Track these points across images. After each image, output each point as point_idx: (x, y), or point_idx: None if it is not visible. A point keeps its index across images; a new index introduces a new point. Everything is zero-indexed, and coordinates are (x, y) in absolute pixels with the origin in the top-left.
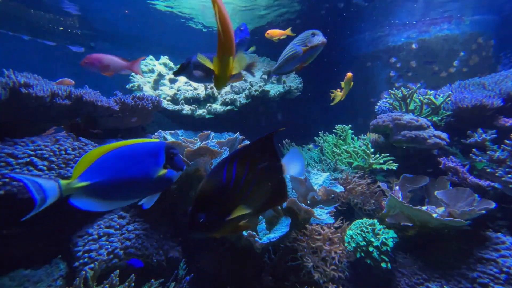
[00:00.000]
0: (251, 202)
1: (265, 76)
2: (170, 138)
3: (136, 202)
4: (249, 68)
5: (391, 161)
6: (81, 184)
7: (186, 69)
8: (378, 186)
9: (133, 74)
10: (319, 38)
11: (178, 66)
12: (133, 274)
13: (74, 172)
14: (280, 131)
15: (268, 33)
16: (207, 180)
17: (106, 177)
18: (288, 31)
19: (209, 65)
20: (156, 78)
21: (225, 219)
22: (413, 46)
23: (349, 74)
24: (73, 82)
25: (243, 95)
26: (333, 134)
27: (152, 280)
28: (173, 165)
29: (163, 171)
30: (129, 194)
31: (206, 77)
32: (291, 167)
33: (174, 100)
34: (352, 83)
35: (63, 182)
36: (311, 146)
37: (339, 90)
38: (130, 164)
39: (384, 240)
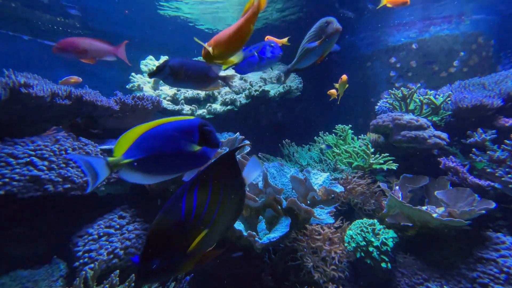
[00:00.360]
0: (216, 228)
1: (265, 76)
2: None
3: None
4: (227, 80)
5: (391, 161)
6: (125, 161)
7: (161, 71)
8: (378, 186)
9: (133, 74)
10: (333, 26)
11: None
12: (133, 274)
13: (117, 149)
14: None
15: (266, 39)
16: (160, 219)
17: (146, 155)
18: (285, 41)
19: (203, 44)
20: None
21: (186, 257)
22: (413, 46)
23: (344, 76)
24: (80, 79)
25: (243, 95)
26: (333, 134)
27: None
28: (207, 142)
29: (197, 148)
30: (169, 170)
31: (182, 81)
32: (250, 177)
33: (174, 100)
34: (347, 85)
35: (110, 159)
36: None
37: (334, 91)
38: (167, 142)
39: (384, 240)
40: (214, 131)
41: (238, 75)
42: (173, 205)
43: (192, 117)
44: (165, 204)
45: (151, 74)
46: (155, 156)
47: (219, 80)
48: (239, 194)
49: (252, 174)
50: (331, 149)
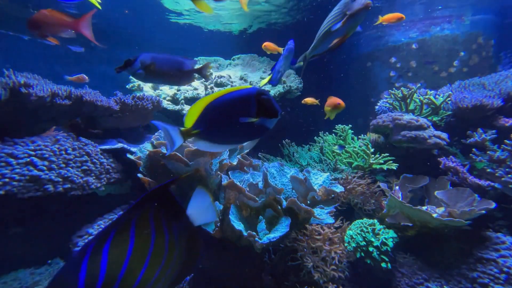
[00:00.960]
0: None
1: (265, 76)
2: None
3: None
4: (203, 72)
5: (391, 161)
6: (194, 132)
7: (130, 65)
8: (378, 186)
9: None
10: (361, 1)
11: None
12: None
13: (188, 120)
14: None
15: (264, 45)
16: None
17: (209, 126)
18: (280, 50)
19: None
20: None
21: None
22: (413, 46)
23: (341, 103)
24: (87, 79)
25: None
26: (333, 134)
27: None
28: (265, 112)
29: (254, 120)
30: (231, 140)
31: (154, 76)
32: (201, 214)
33: (174, 100)
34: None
35: (182, 129)
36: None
37: (310, 99)
38: (226, 113)
39: (384, 240)
40: (272, 100)
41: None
42: (66, 272)
43: (249, 86)
44: (57, 271)
45: (120, 68)
46: (217, 127)
47: (194, 74)
48: (182, 243)
49: (202, 211)
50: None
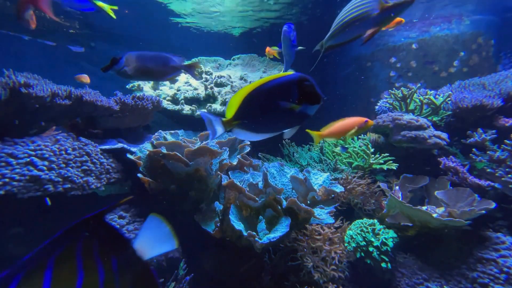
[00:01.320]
0: None
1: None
2: (170, 138)
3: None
4: (190, 68)
5: (391, 161)
6: (234, 122)
7: (116, 64)
8: (378, 186)
9: None
10: None
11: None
12: None
13: (229, 110)
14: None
15: (267, 50)
16: None
17: (250, 115)
18: (275, 53)
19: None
20: None
21: None
22: (413, 46)
23: (370, 122)
24: (87, 78)
25: None
26: None
27: None
28: (307, 99)
29: (296, 107)
30: (271, 129)
31: (140, 74)
32: (154, 244)
33: (174, 100)
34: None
35: (223, 119)
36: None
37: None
38: (268, 102)
39: (384, 240)
40: (314, 85)
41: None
42: None
43: (291, 73)
44: None
45: (105, 68)
46: (257, 116)
47: (182, 70)
48: (127, 281)
49: (157, 240)
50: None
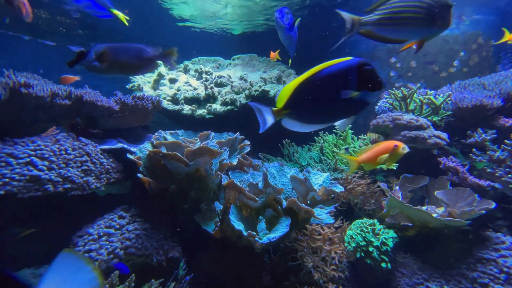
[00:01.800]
0: None
1: (265, 76)
2: (170, 138)
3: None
4: (167, 57)
5: None
6: (285, 111)
7: (84, 58)
8: (378, 186)
9: None
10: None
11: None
12: (133, 274)
13: (279, 100)
14: None
15: (272, 56)
16: None
17: (302, 104)
18: (277, 56)
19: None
20: (156, 78)
21: None
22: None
23: (399, 145)
24: (77, 77)
25: (243, 95)
26: (333, 134)
27: (152, 280)
28: (368, 85)
29: (355, 94)
30: (325, 119)
31: (112, 67)
32: None
33: (174, 100)
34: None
35: (274, 109)
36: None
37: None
38: (323, 90)
39: (384, 240)
40: (375, 71)
41: (215, 67)
42: None
43: (349, 58)
44: None
45: (72, 63)
46: (309, 105)
47: (157, 61)
48: None
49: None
50: (330, 149)
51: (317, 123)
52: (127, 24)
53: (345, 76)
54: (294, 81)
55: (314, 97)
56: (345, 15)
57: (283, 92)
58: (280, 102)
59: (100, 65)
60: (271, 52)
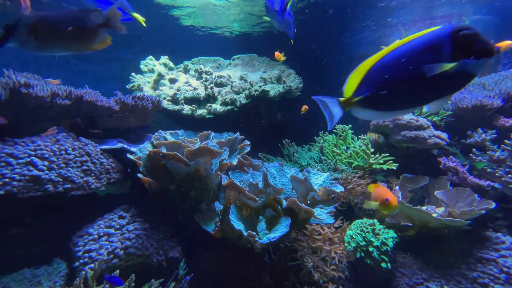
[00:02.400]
0: None
1: (265, 76)
2: (170, 138)
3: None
4: (113, 24)
5: (391, 161)
6: (355, 99)
7: (13, 32)
8: None
9: (133, 74)
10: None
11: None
12: (133, 274)
13: (348, 88)
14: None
15: (276, 55)
16: None
17: (375, 90)
18: (282, 57)
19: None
20: (156, 78)
21: None
22: None
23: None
24: (57, 81)
25: (243, 95)
26: (333, 134)
27: (152, 280)
28: (470, 52)
29: (449, 66)
30: (407, 103)
31: (50, 42)
32: None
33: (174, 100)
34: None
35: (341, 100)
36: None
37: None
38: (401, 69)
39: (384, 240)
40: (479, 34)
41: (215, 67)
42: None
43: (438, 27)
44: None
45: (1, 41)
46: (386, 89)
47: (106, 31)
48: None
49: None
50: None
51: (399, 109)
52: (144, 25)
53: (434, 47)
54: (364, 64)
55: (393, 79)
56: None
57: (352, 79)
58: (349, 90)
59: (34, 41)
60: (276, 53)
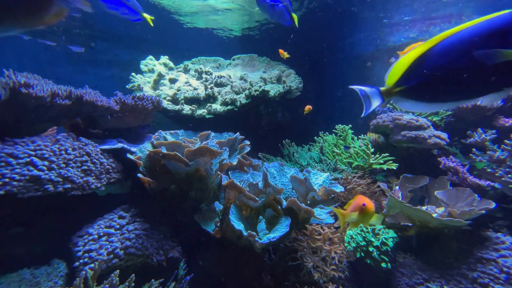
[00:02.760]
0: None
1: (265, 76)
2: (170, 138)
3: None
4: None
5: (391, 161)
6: (397, 89)
7: None
8: (378, 186)
9: (133, 74)
10: None
11: None
12: (133, 274)
13: (390, 77)
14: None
15: (281, 52)
16: None
17: (421, 80)
18: (286, 55)
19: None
20: (156, 78)
21: None
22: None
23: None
24: None
25: (243, 95)
26: (333, 134)
27: (152, 280)
28: None
29: None
30: (456, 95)
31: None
32: None
33: (174, 100)
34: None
35: (382, 89)
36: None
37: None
38: (460, 55)
39: (384, 240)
40: None
41: (215, 67)
42: None
43: (507, 11)
44: None
45: None
46: (438, 78)
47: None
48: None
49: None
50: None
51: (449, 101)
52: (152, 24)
53: (500, 33)
54: (413, 52)
55: (448, 67)
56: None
57: (397, 67)
58: (392, 79)
59: None
60: (280, 50)
